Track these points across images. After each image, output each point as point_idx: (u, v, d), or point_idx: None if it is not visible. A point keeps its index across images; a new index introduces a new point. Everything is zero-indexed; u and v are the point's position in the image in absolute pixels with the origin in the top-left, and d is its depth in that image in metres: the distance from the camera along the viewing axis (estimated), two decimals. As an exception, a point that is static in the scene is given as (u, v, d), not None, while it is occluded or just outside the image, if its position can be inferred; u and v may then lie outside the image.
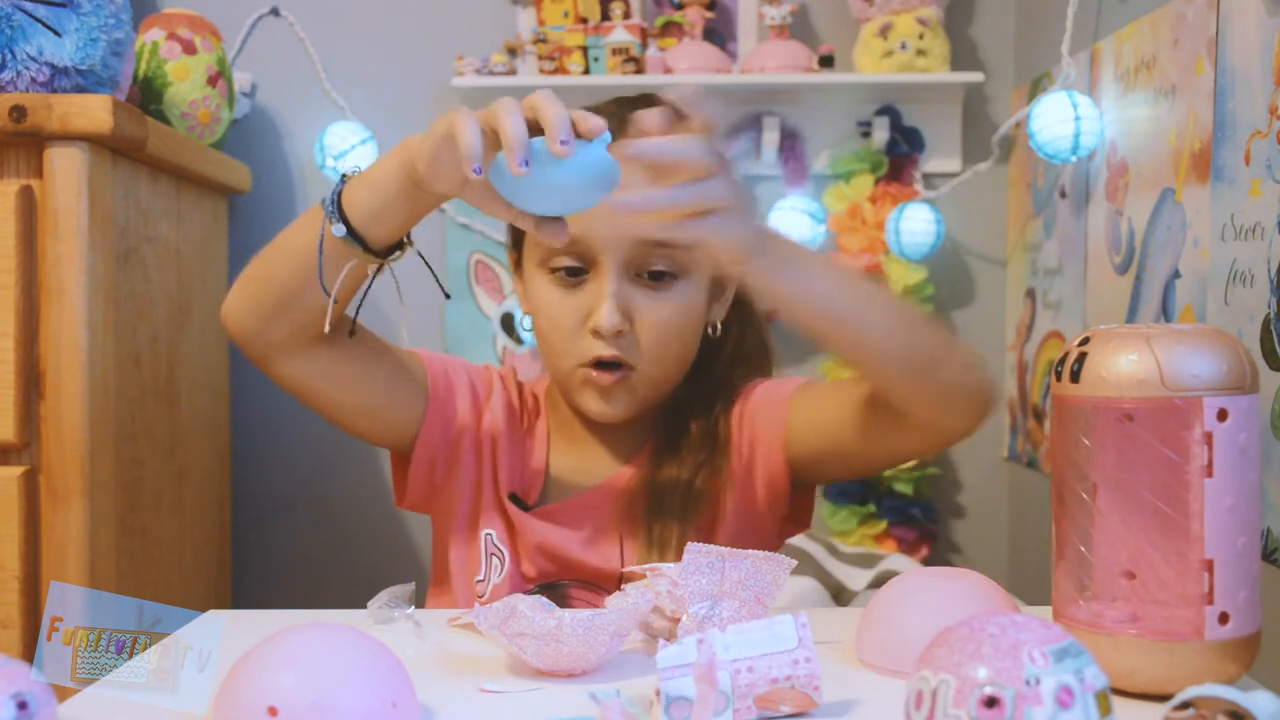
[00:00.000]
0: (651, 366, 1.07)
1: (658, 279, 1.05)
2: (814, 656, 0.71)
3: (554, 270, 1.06)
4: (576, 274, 1.06)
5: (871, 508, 1.93)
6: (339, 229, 0.94)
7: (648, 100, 1.09)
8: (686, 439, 1.12)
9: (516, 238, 1.15)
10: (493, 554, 1.11)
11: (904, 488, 1.93)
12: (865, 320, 0.93)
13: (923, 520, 1.93)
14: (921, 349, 0.95)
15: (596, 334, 1.05)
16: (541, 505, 1.13)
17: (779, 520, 1.13)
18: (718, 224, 0.85)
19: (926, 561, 1.93)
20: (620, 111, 1.06)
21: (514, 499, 1.12)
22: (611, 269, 1.04)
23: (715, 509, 1.10)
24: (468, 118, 0.85)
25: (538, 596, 0.94)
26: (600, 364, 1.06)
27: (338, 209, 0.95)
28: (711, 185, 0.84)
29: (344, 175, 0.97)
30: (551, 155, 0.83)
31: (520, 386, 1.21)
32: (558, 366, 1.09)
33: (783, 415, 1.10)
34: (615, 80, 1.85)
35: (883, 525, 1.92)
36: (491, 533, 1.11)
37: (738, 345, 1.18)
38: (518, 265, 1.16)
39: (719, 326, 1.14)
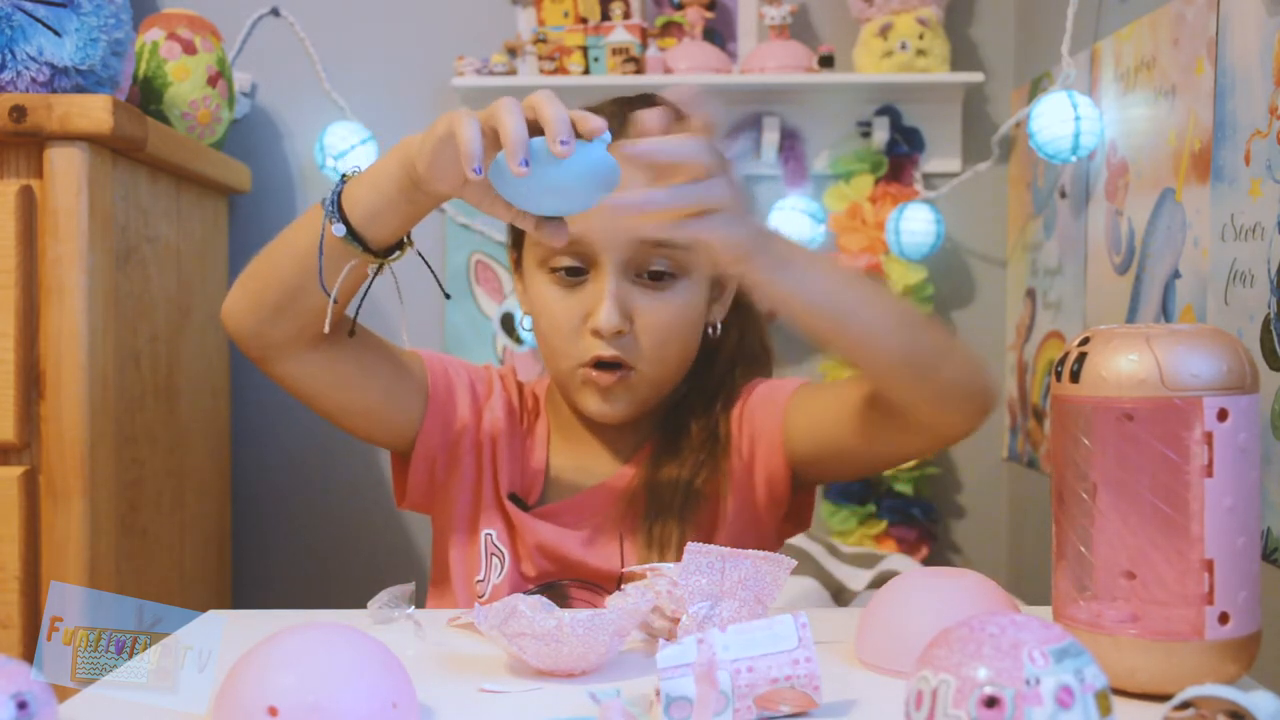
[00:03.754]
0: (651, 367, 1.07)
1: (657, 279, 1.05)
2: (814, 656, 0.71)
3: (554, 270, 1.06)
4: (576, 274, 1.05)
5: (871, 508, 1.93)
6: (339, 228, 0.94)
7: (647, 100, 1.09)
8: (687, 439, 1.12)
9: (516, 237, 1.15)
10: (493, 554, 1.11)
11: (904, 488, 1.93)
12: (866, 320, 0.93)
13: (923, 520, 1.93)
14: (923, 349, 0.94)
15: (596, 334, 1.04)
16: (541, 505, 1.12)
17: (779, 520, 1.13)
18: (717, 224, 0.84)
19: (927, 561, 1.93)
20: (620, 111, 1.06)
21: (514, 499, 1.12)
22: (611, 269, 1.04)
23: (715, 509, 1.10)
24: (468, 118, 0.85)
25: (538, 596, 0.94)
26: (600, 364, 1.06)
27: (337, 208, 0.95)
28: (710, 185, 0.83)
29: (344, 175, 0.97)
30: (552, 156, 0.82)
31: (520, 386, 1.21)
32: (558, 367, 1.09)
33: (782, 415, 1.10)
34: (615, 80, 1.85)
35: (883, 525, 1.92)
36: (492, 533, 1.11)
37: (738, 345, 1.18)
38: (518, 265, 1.16)
39: (719, 326, 1.14)
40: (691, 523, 1.08)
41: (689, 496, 1.09)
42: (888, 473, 1.91)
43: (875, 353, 0.94)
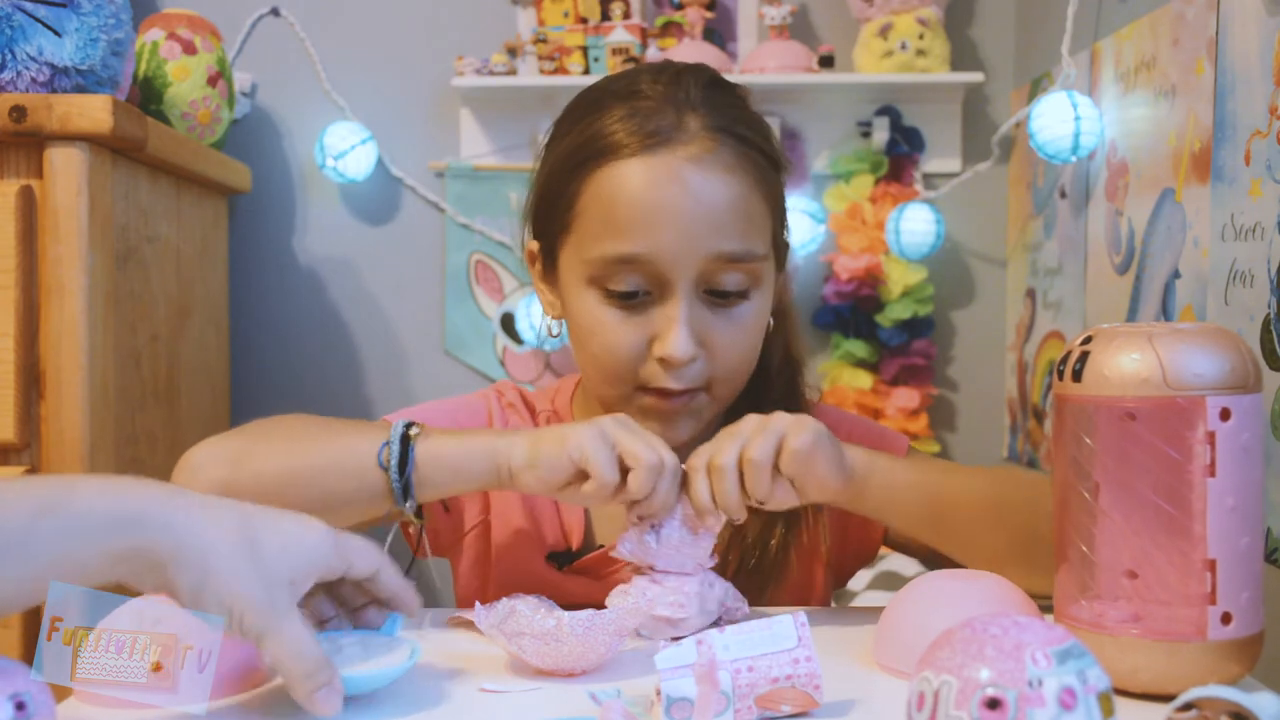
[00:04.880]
0: (723, 388, 0.97)
1: (725, 296, 0.95)
2: (814, 655, 0.71)
3: (610, 292, 0.94)
4: (635, 296, 0.94)
5: (872, 508, 1.93)
6: (413, 515, 0.88)
7: (698, 70, 1.00)
8: None
9: (543, 229, 1.01)
10: None
11: (904, 488, 1.93)
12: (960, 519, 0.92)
13: (923, 520, 1.93)
14: (1021, 534, 0.90)
15: (664, 363, 0.93)
16: (587, 552, 1.01)
17: (852, 564, 1.10)
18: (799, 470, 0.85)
19: (928, 561, 1.92)
20: (629, 85, 0.98)
21: (554, 558, 1.01)
22: (683, 292, 0.92)
23: (795, 565, 1.02)
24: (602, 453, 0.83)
25: (538, 596, 0.93)
26: (667, 394, 0.95)
27: (404, 483, 0.86)
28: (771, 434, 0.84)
29: (407, 432, 0.87)
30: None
31: (530, 408, 1.08)
32: (608, 392, 0.98)
33: None
34: (615, 80, 1.85)
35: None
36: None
37: (785, 353, 1.07)
38: (538, 260, 1.03)
39: (770, 323, 1.03)
40: (773, 581, 0.99)
41: (775, 557, 0.99)
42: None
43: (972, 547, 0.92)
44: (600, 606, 0.92)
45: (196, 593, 0.67)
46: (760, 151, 0.96)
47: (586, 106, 0.99)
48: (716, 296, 0.94)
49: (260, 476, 0.86)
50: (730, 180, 0.93)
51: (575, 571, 1.01)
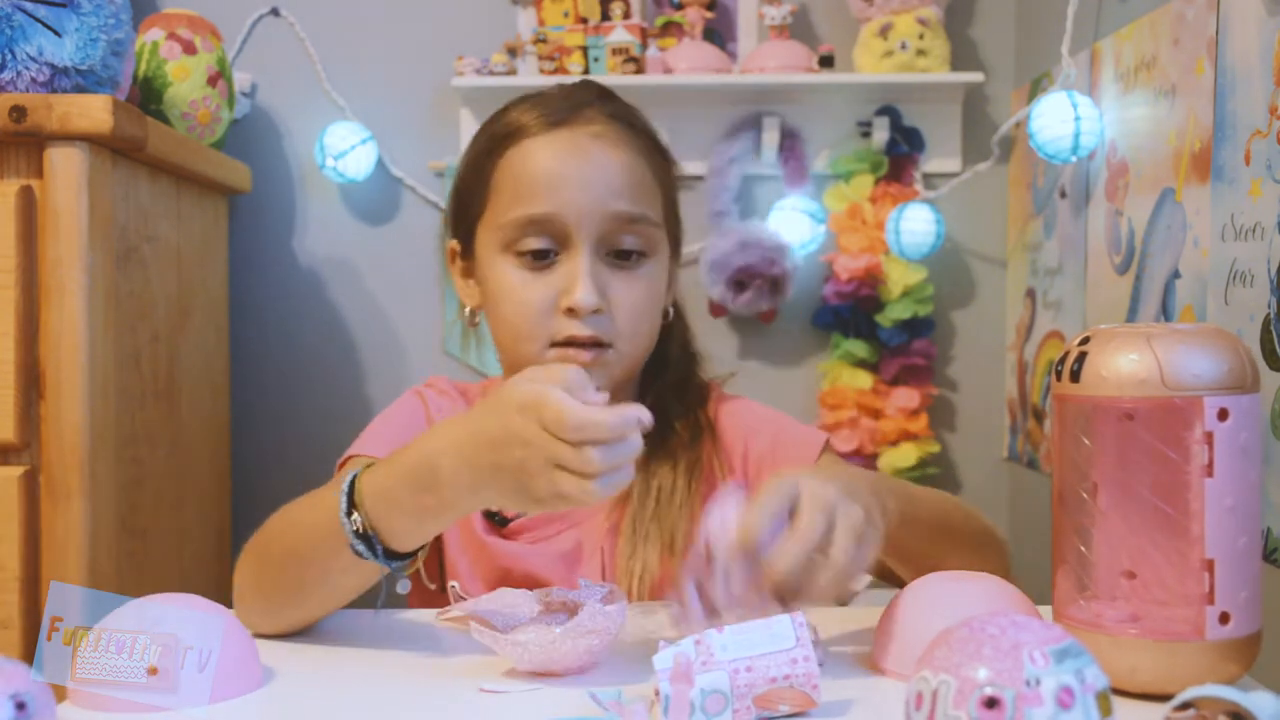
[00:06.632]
0: (627, 344, 1.06)
1: (626, 258, 1.06)
2: (812, 655, 0.71)
3: (520, 254, 1.05)
4: (544, 256, 1.04)
5: (871, 508, 1.92)
6: (403, 585, 0.92)
7: (591, 86, 1.11)
8: (675, 438, 1.10)
9: (461, 220, 1.12)
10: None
11: (904, 488, 1.93)
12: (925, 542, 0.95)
13: (923, 520, 1.92)
14: (956, 537, 0.97)
15: (571, 313, 1.03)
16: (519, 519, 1.09)
17: None
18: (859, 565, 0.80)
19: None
20: (533, 94, 1.10)
21: (491, 516, 1.08)
22: (585, 247, 1.03)
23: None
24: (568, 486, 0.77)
25: (524, 591, 0.94)
26: (575, 344, 1.03)
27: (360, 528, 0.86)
28: (863, 549, 0.79)
29: (352, 485, 0.88)
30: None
31: (464, 393, 1.17)
32: (523, 351, 1.05)
33: None
34: (615, 80, 1.85)
35: (883, 525, 1.92)
36: (456, 584, 0.97)
37: (684, 338, 1.18)
38: (462, 254, 1.13)
39: (671, 311, 1.15)
40: (683, 526, 1.06)
41: (683, 498, 1.07)
42: (888, 472, 1.91)
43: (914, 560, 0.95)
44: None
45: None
46: (650, 138, 1.11)
47: (494, 115, 1.12)
48: (616, 258, 1.05)
49: (282, 613, 0.94)
50: (625, 153, 1.06)
51: (514, 531, 1.08)
